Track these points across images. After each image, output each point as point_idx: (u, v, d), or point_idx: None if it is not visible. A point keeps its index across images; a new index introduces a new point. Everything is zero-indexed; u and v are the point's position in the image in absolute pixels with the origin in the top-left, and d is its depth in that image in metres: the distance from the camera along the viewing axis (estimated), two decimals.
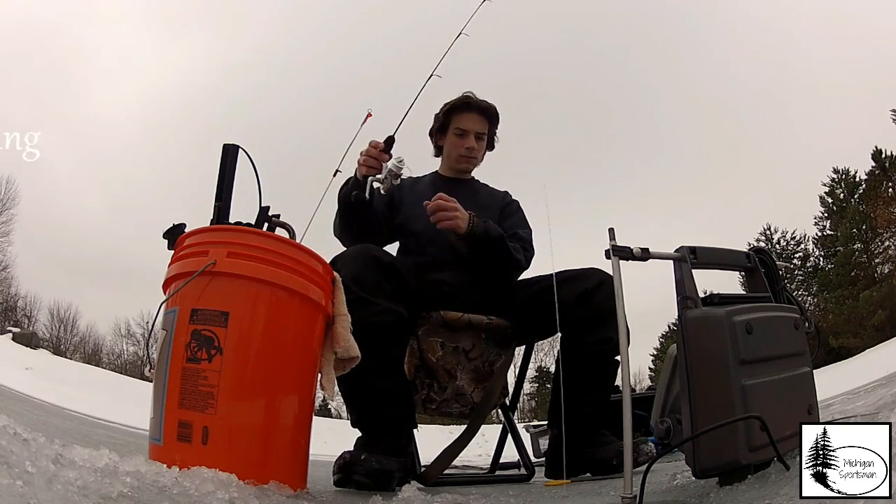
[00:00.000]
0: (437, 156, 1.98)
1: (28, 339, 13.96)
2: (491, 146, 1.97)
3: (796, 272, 23.66)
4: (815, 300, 22.81)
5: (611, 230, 1.05)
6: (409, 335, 1.65)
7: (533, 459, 1.97)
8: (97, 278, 34.62)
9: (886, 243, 21.75)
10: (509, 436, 1.91)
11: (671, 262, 1.09)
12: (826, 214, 23.89)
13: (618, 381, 1.65)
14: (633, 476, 0.95)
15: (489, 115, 1.89)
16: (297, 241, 1.29)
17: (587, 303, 1.58)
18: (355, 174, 1.64)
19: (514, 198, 1.99)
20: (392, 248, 1.83)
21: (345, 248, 1.57)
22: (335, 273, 1.28)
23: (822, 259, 24.17)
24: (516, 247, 1.75)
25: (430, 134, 1.97)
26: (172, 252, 1.21)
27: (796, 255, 24.70)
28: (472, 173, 1.98)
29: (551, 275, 1.69)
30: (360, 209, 1.65)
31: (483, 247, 1.65)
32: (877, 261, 21.99)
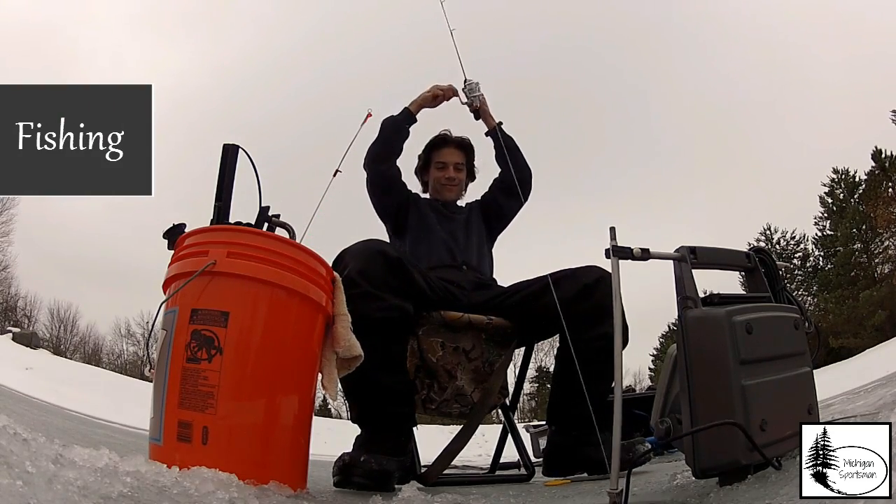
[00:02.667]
0: (424, 192, 2.14)
1: (28, 339, 13.95)
2: (472, 176, 2.15)
3: (796, 272, 23.64)
4: (815, 300, 22.78)
5: (611, 229, 1.04)
6: (413, 333, 1.65)
7: (533, 459, 1.97)
8: (96, 278, 34.62)
9: (886, 243, 21.72)
10: (509, 436, 1.91)
11: (671, 261, 1.09)
12: (826, 214, 23.86)
13: None
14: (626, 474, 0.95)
15: (464, 147, 2.09)
16: (297, 241, 1.29)
17: (587, 298, 1.58)
18: (409, 110, 1.98)
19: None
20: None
21: (353, 243, 1.57)
22: (335, 273, 1.28)
23: (822, 259, 24.13)
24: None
25: (416, 172, 2.16)
26: (172, 252, 1.21)
27: (796, 255, 24.67)
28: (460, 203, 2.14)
29: (549, 275, 1.70)
30: (402, 135, 1.97)
31: (506, 138, 2.02)
32: (877, 261, 21.96)
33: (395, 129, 1.96)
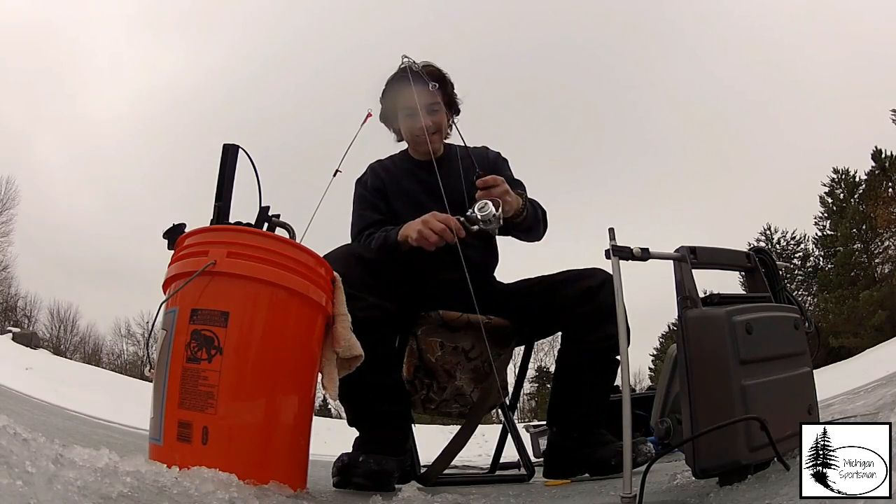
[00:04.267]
0: (399, 140, 1.82)
1: (28, 339, 13.96)
2: (455, 110, 1.76)
3: (796, 272, 23.65)
4: (815, 300, 22.80)
5: (611, 230, 1.04)
6: (399, 331, 1.63)
7: (533, 459, 1.97)
8: (95, 278, 34.73)
9: (886, 243, 21.77)
10: (509, 436, 1.91)
11: (671, 262, 1.09)
12: (826, 214, 23.89)
13: (618, 382, 1.66)
14: (633, 476, 0.95)
15: (434, 80, 1.66)
16: (297, 241, 1.29)
17: (591, 301, 1.58)
18: (398, 239, 1.55)
19: (493, 151, 1.85)
20: None
21: (332, 250, 1.56)
22: (335, 273, 1.28)
23: (822, 259, 24.18)
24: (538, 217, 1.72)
25: (382, 120, 1.80)
26: (172, 252, 1.21)
27: (796, 255, 24.70)
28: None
29: (550, 275, 1.70)
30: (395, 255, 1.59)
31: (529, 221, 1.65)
32: (877, 261, 22.01)
33: (393, 251, 1.58)
